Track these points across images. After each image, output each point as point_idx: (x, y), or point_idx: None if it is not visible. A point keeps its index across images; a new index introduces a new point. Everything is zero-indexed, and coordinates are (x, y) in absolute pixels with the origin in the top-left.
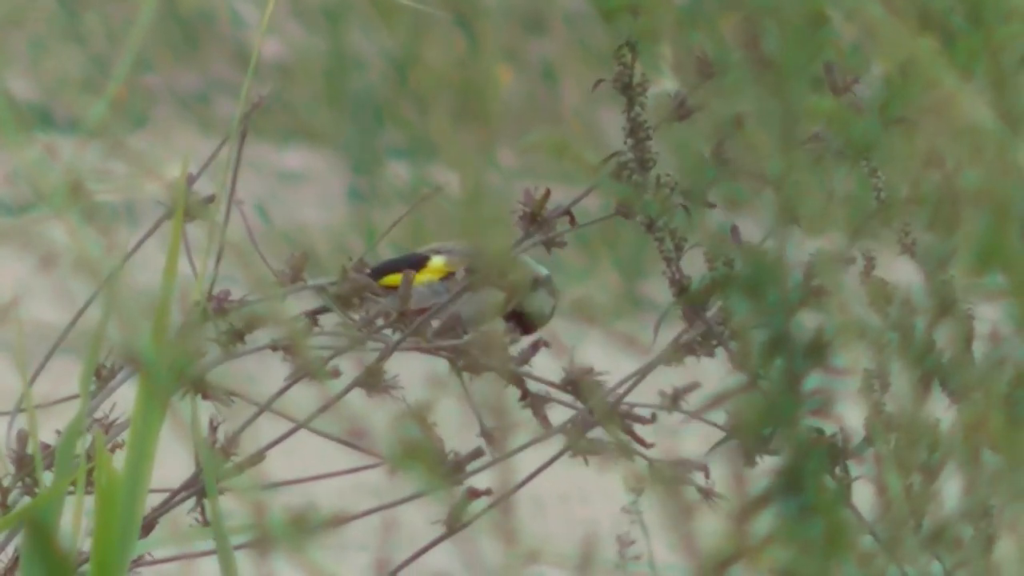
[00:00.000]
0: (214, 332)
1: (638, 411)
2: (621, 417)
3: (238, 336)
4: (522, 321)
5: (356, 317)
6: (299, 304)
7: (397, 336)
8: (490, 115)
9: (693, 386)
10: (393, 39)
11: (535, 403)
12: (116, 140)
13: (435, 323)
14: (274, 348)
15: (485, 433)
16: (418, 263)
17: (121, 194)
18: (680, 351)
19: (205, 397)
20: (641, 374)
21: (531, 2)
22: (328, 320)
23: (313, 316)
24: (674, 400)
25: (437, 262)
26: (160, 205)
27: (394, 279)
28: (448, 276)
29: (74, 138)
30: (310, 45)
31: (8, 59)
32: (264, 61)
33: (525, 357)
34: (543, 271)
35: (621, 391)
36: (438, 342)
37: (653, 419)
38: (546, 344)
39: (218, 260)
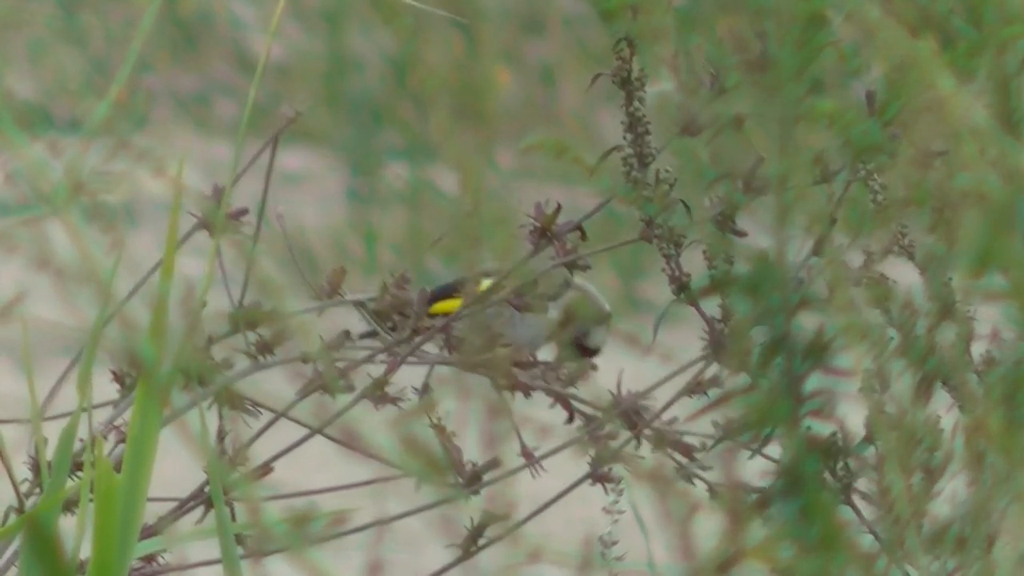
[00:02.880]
0: (243, 343)
1: (688, 439)
2: (672, 446)
3: (267, 348)
4: (580, 351)
5: (394, 334)
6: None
7: (436, 354)
8: (488, 116)
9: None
10: (392, 40)
11: (589, 424)
12: (117, 141)
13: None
14: (304, 361)
15: (524, 451)
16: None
17: (122, 194)
18: (703, 384)
19: (232, 408)
20: (668, 402)
21: (529, 4)
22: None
23: (360, 337)
24: (727, 431)
25: (485, 284)
26: (162, 206)
27: (444, 306)
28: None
29: (74, 139)
30: (309, 46)
31: (8, 60)
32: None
33: (572, 378)
34: (606, 306)
35: (648, 408)
36: (477, 359)
37: (703, 448)
38: (595, 368)
39: (248, 269)
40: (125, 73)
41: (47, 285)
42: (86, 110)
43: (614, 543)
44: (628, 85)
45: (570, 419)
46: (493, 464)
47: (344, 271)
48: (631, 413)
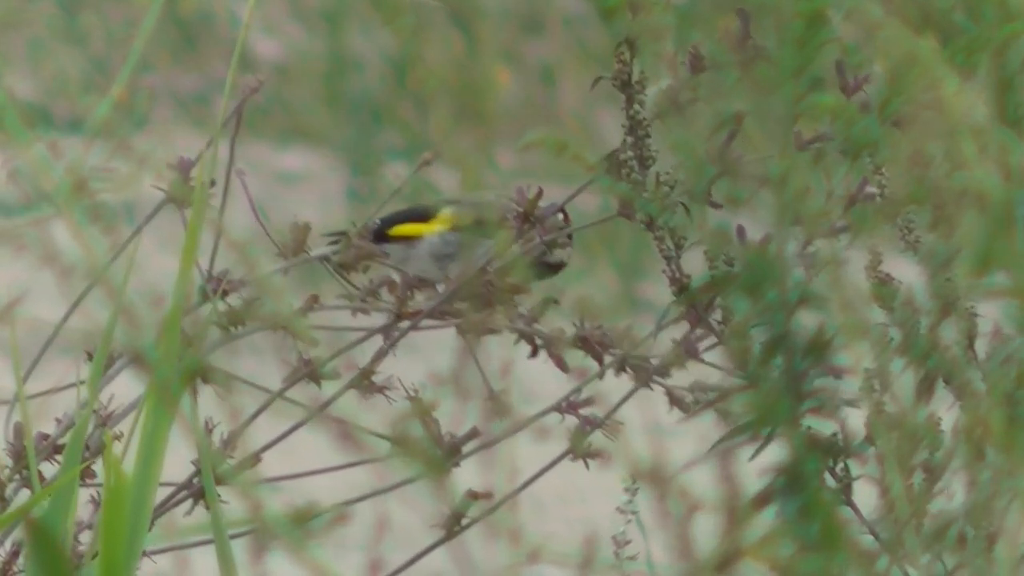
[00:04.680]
0: (215, 314)
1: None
2: (639, 371)
3: (238, 318)
4: (545, 268)
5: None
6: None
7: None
8: (488, 116)
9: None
10: (391, 40)
11: (552, 344)
12: (118, 140)
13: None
14: (274, 328)
15: (493, 398)
16: (427, 214)
17: (122, 194)
18: (683, 355)
19: (205, 381)
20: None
21: (529, 3)
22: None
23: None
24: (687, 351)
25: (445, 213)
26: (161, 205)
27: (402, 229)
28: (456, 227)
29: (74, 138)
30: (309, 46)
31: (8, 60)
32: (263, 62)
33: (535, 314)
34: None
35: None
36: (444, 306)
37: (667, 373)
38: (556, 301)
39: (214, 247)
40: (127, 73)
41: (48, 285)
42: (87, 110)
43: (627, 543)
44: (628, 88)
45: (533, 353)
46: (473, 435)
47: (308, 226)
48: (594, 342)
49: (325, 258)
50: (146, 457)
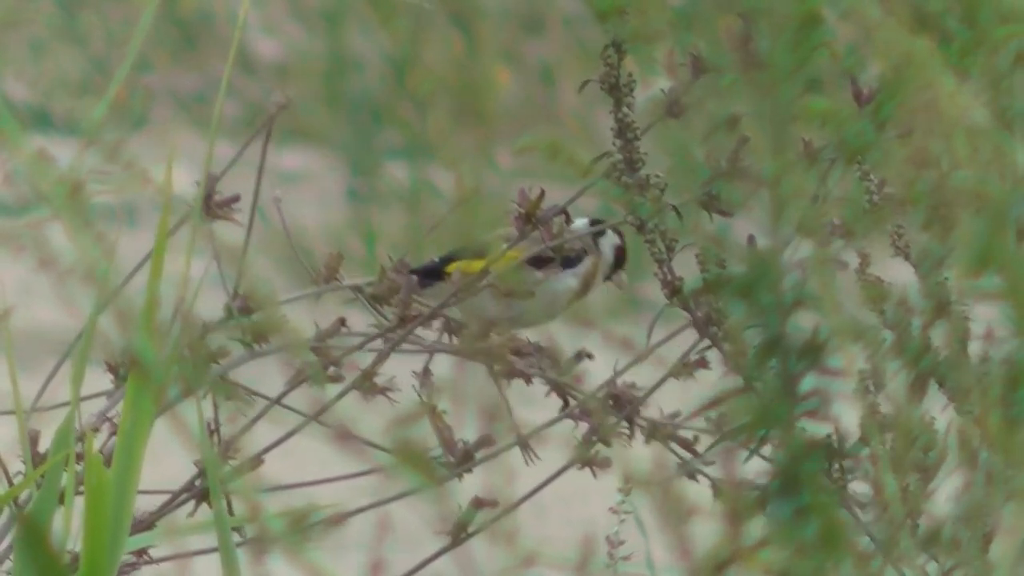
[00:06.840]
0: (238, 332)
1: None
2: (665, 438)
3: (261, 336)
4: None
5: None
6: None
7: (433, 341)
8: (488, 116)
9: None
10: (391, 40)
11: (581, 415)
12: (115, 141)
13: (473, 324)
14: (288, 350)
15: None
16: (480, 252)
17: (119, 195)
18: (690, 365)
19: (228, 398)
20: (651, 388)
21: (529, 4)
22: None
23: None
24: (718, 425)
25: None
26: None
27: (462, 266)
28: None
29: (73, 140)
30: (309, 46)
31: (6, 61)
32: (263, 62)
33: (568, 367)
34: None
35: (648, 403)
36: (475, 347)
37: (696, 441)
38: (590, 356)
39: (242, 259)
40: (123, 73)
41: (46, 286)
42: (83, 110)
43: (621, 543)
44: (616, 91)
45: (565, 405)
46: (485, 442)
47: (341, 256)
48: (624, 403)
49: (357, 288)
50: (126, 456)
